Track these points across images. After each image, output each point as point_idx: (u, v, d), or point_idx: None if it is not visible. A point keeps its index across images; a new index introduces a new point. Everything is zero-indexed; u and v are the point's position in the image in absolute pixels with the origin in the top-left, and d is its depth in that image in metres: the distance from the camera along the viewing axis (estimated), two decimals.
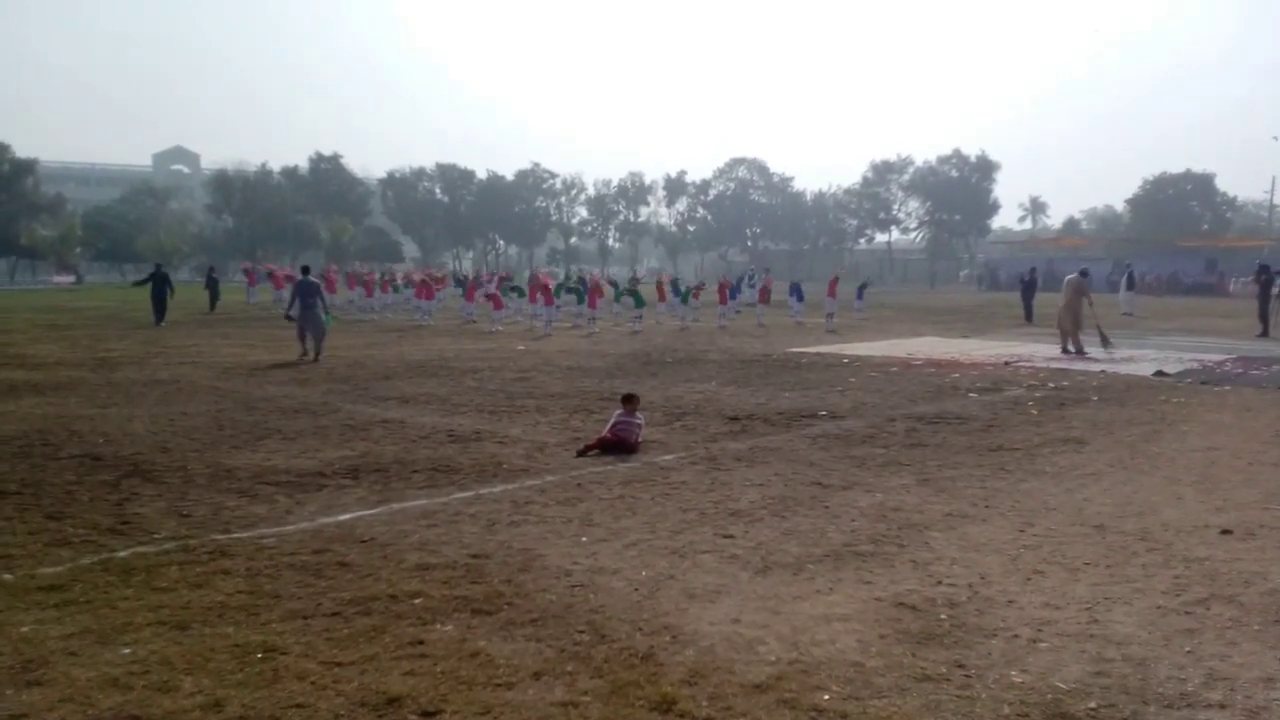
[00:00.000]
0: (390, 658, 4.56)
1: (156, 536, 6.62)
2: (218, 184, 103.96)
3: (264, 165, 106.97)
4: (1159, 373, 16.38)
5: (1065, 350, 19.90)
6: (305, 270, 22.92)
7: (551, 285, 30.83)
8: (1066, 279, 20.56)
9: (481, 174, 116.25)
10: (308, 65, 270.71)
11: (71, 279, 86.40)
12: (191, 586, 5.58)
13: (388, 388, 14.67)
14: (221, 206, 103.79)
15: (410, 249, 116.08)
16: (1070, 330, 19.98)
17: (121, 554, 6.21)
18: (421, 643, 4.74)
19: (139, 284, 32.36)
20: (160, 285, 30.34)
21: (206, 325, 30.20)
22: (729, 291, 33.47)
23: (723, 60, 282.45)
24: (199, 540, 6.51)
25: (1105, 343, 20.20)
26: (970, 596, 5.44)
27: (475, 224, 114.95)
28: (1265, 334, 25.29)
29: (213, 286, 38.29)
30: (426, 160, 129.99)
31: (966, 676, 4.37)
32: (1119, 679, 4.32)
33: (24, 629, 4.92)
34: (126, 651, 4.65)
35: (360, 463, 9.08)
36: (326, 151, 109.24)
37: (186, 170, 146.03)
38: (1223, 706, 4.06)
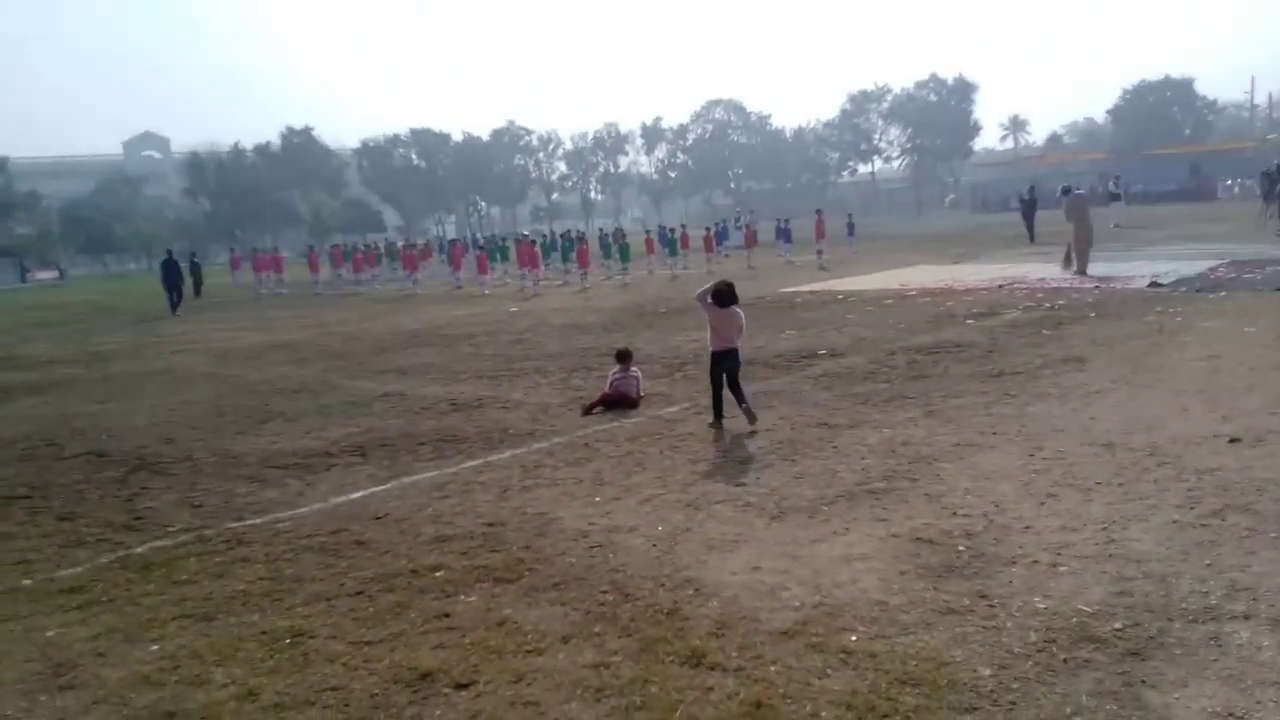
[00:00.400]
0: (418, 633, 4.59)
1: (171, 529, 6.62)
2: (191, 167, 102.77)
3: (236, 144, 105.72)
4: (1154, 284, 16.38)
5: (1069, 268, 19.52)
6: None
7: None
8: (1071, 197, 20.20)
9: (457, 136, 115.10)
10: (271, 39, 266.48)
11: (55, 275, 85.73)
12: (212, 577, 5.59)
13: (385, 360, 14.62)
14: (197, 189, 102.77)
15: (391, 217, 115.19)
16: (1084, 250, 19.60)
17: (138, 550, 6.21)
18: (448, 615, 4.76)
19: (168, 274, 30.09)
20: (171, 271, 29.60)
21: (195, 311, 30.00)
22: (715, 237, 33.33)
23: (692, 2, 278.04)
24: (214, 530, 6.51)
25: (1068, 263, 20.02)
26: (986, 526, 5.47)
27: (455, 187, 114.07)
28: None
29: (196, 272, 37.99)
30: (400, 127, 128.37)
31: (990, 606, 4.40)
32: (1141, 597, 4.36)
33: (50, 633, 4.93)
34: (155, 648, 4.66)
35: (366, 439, 9.07)
36: (297, 125, 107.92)
37: (158, 155, 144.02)
38: (1247, 617, 4.10)
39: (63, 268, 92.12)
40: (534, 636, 4.45)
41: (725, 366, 8.54)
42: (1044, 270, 20.53)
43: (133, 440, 9.85)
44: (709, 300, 8.61)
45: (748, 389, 8.69)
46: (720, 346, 8.56)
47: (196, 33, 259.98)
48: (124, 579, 5.68)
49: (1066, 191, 20.91)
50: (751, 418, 8.35)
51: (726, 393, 8.53)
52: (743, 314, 8.76)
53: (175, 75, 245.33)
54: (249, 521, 6.68)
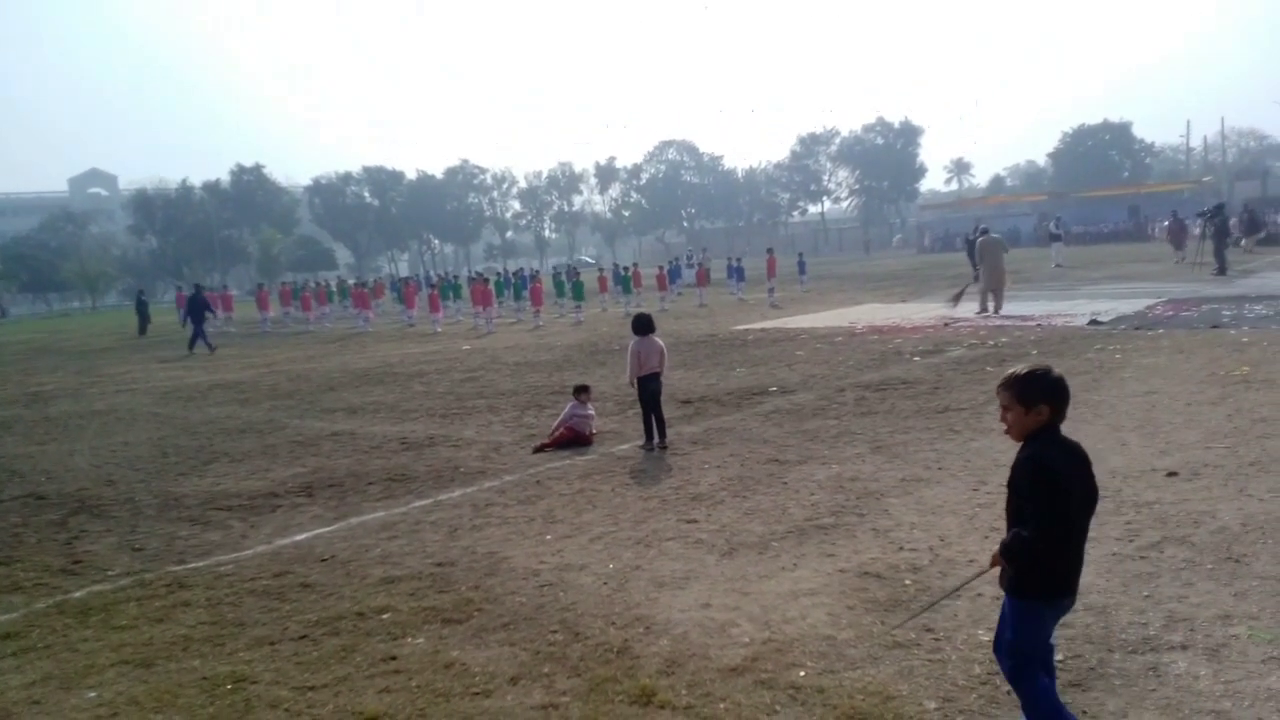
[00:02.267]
0: (363, 677, 4.52)
1: (111, 573, 6.46)
2: (138, 204, 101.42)
3: (184, 181, 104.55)
4: (1093, 321, 16.78)
5: (984, 310, 20.06)
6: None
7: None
8: (984, 240, 20.72)
9: (411, 174, 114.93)
10: (222, 77, 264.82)
11: None
12: (152, 622, 5.46)
13: (334, 399, 14.47)
14: (144, 227, 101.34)
15: (344, 255, 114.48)
16: (996, 289, 20.14)
17: (77, 594, 6.06)
18: (394, 658, 4.70)
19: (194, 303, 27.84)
20: (196, 306, 27.59)
21: (139, 350, 29.47)
22: (668, 275, 33.58)
23: (644, 45, 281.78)
24: (155, 574, 6.37)
25: (957, 300, 20.64)
26: (932, 559, 5.54)
27: (408, 225, 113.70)
28: (1223, 271, 25.91)
29: (142, 310, 37.38)
30: (353, 164, 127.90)
31: (936, 640, 4.45)
32: (1082, 629, 4.44)
33: None
34: (92, 695, 4.54)
35: (313, 479, 8.95)
36: (248, 163, 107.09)
37: (105, 193, 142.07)
38: (1184, 647, 4.19)
39: (4, 306, 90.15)
40: (482, 678, 4.41)
41: (652, 389, 9.30)
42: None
43: (72, 482, 9.63)
44: (632, 331, 9.64)
45: (669, 416, 8.76)
46: (644, 372, 9.34)
47: (146, 70, 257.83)
48: (61, 624, 5.53)
49: (984, 233, 21.41)
50: (662, 443, 9.23)
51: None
52: (662, 343, 9.64)
53: (123, 113, 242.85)
54: (191, 564, 6.54)
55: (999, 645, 3.54)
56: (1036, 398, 3.34)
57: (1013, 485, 3.43)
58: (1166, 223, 36.73)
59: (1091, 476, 3.43)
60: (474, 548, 6.44)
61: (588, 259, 57.52)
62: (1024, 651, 3.41)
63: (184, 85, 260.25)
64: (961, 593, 4.80)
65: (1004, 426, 3.47)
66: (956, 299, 20.73)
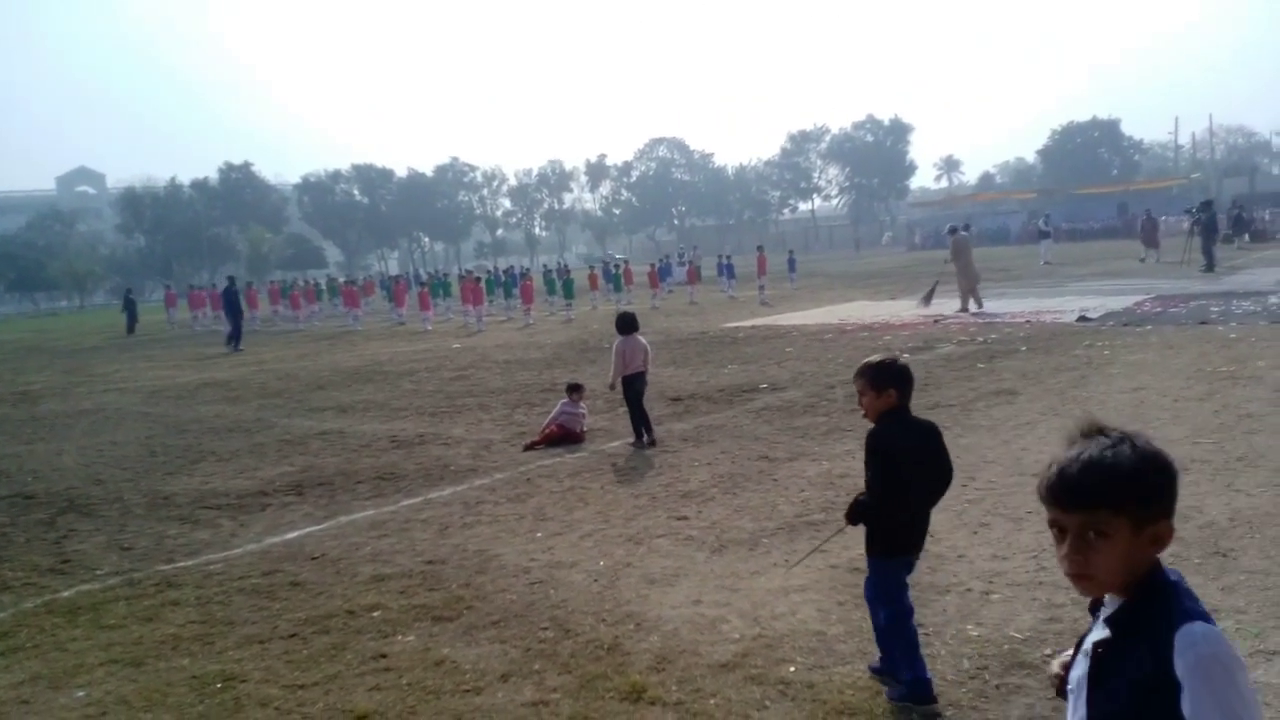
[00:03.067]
0: (354, 675, 4.51)
1: (99, 573, 6.44)
2: (126, 203, 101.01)
3: (173, 180, 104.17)
4: (1082, 318, 16.85)
5: (964, 309, 20.17)
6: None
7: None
8: (956, 238, 20.78)
9: (401, 172, 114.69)
10: (212, 75, 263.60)
11: None
12: (141, 621, 5.44)
13: (323, 398, 14.43)
14: (132, 225, 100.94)
15: (333, 253, 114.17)
16: (969, 288, 20.27)
17: (65, 594, 6.03)
18: (384, 656, 4.69)
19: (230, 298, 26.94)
20: (232, 300, 26.80)
21: (127, 349, 29.35)
22: (659, 272, 33.62)
23: (635, 42, 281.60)
24: (144, 573, 6.35)
25: (928, 299, 20.74)
26: (921, 555, 5.54)
27: (398, 223, 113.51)
28: (1211, 268, 26.03)
29: (130, 308, 37.23)
30: (342, 162, 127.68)
31: (925, 634, 4.46)
32: (1071, 624, 4.46)
33: None
34: (81, 694, 4.53)
35: (302, 478, 8.93)
36: (236, 161, 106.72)
37: (92, 191, 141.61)
38: None
39: None
40: (472, 675, 4.41)
41: (637, 388, 9.37)
42: (976, 306, 20.99)
43: (60, 481, 9.58)
44: (616, 330, 9.71)
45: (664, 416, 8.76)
46: (630, 371, 9.41)
47: (135, 69, 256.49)
48: (50, 624, 5.51)
49: (953, 231, 21.44)
50: (650, 440, 9.25)
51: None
52: (646, 341, 9.72)
53: (111, 111, 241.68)
54: (180, 564, 6.52)
55: (867, 596, 4.09)
56: (886, 383, 3.84)
57: (865, 459, 3.93)
58: (1141, 217, 35.74)
59: (940, 451, 3.95)
60: (464, 545, 6.43)
61: (618, 256, 56.98)
62: (887, 600, 3.91)
63: (173, 84, 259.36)
64: (826, 548, 5.25)
65: (862, 411, 3.96)
66: (927, 298, 20.83)
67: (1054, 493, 1.62)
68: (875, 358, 3.96)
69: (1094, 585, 1.64)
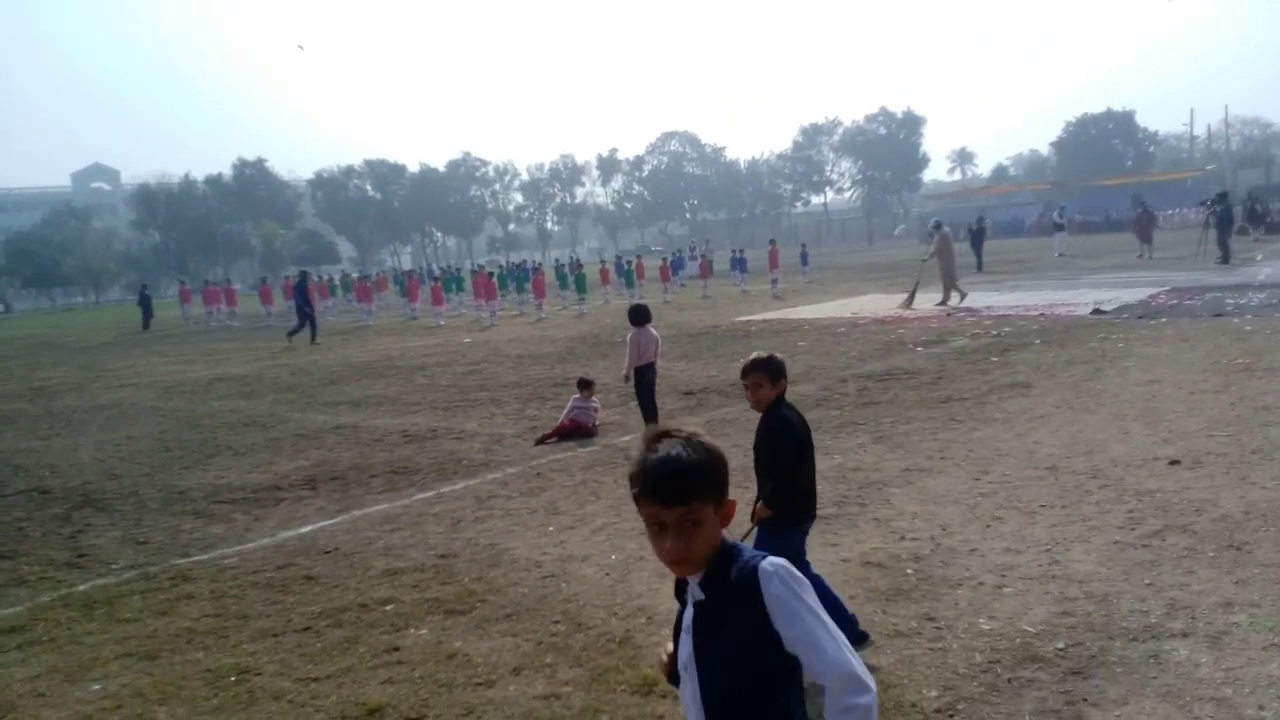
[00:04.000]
0: (367, 668, 4.53)
1: (115, 567, 6.49)
2: (141, 199, 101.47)
3: (187, 176, 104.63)
4: (1096, 310, 16.75)
5: (944, 302, 20.20)
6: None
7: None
8: (940, 234, 20.76)
9: (413, 167, 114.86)
10: (225, 71, 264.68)
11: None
12: (156, 615, 5.48)
13: (336, 393, 14.48)
14: (147, 221, 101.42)
15: (346, 249, 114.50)
16: (951, 282, 20.30)
17: (81, 588, 6.08)
18: (397, 649, 4.71)
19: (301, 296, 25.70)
20: (303, 293, 25.60)
21: (141, 345, 29.52)
22: (671, 266, 33.60)
23: (647, 37, 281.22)
24: (159, 567, 6.39)
25: (909, 301, 20.63)
26: (934, 549, 5.54)
27: (410, 218, 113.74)
28: (1227, 260, 25.86)
29: (145, 304, 37.42)
30: (355, 158, 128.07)
31: (937, 629, 4.46)
32: (1083, 617, 4.44)
33: None
34: (96, 687, 4.56)
35: (316, 472, 8.97)
36: (250, 157, 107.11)
37: (107, 187, 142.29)
38: (1185, 635, 4.19)
39: (7, 301, 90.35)
40: (484, 669, 4.42)
41: (649, 378, 9.58)
42: (989, 299, 20.90)
43: (76, 476, 9.65)
44: (629, 322, 9.80)
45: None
46: (642, 362, 9.56)
47: (149, 65, 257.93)
48: (66, 618, 5.55)
49: (938, 226, 21.37)
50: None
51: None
52: (658, 333, 9.86)
53: (126, 107, 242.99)
54: (194, 558, 6.56)
55: None
56: (779, 374, 4.38)
57: (762, 442, 4.32)
58: (1136, 211, 34.54)
59: (809, 428, 4.44)
60: (476, 539, 6.45)
61: (654, 248, 56.44)
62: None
63: (187, 81, 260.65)
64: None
65: (751, 401, 4.42)
66: (910, 299, 20.83)
67: (656, 494, 1.84)
68: (763, 354, 4.44)
69: (691, 566, 1.89)
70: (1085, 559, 5.18)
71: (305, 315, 24.67)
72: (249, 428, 11.86)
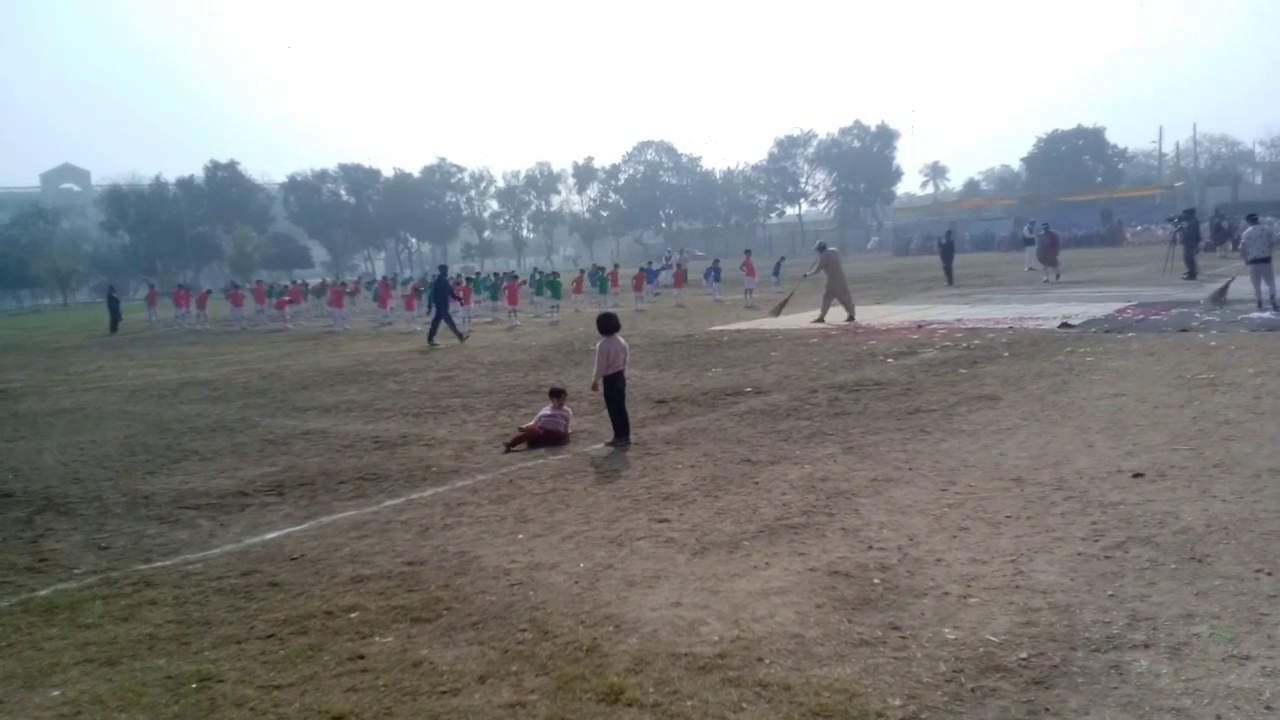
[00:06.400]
0: (330, 675, 4.49)
1: (76, 571, 6.40)
2: (111, 200, 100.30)
3: (158, 178, 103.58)
4: (1064, 324, 16.95)
5: (821, 319, 20.71)
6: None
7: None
8: (826, 253, 21.19)
9: (388, 172, 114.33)
10: (195, 75, 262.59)
11: None
12: (117, 620, 5.41)
13: (306, 398, 14.37)
14: (116, 223, 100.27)
15: (319, 253, 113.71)
16: (844, 300, 20.84)
17: (42, 592, 5.99)
18: (361, 657, 4.67)
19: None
20: (441, 292, 23.67)
21: (110, 347, 29.16)
22: (646, 275, 33.64)
23: (623, 46, 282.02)
24: (121, 572, 6.31)
25: (777, 310, 21.62)
26: (900, 559, 5.57)
27: (385, 224, 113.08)
28: (1193, 276, 26.23)
29: (113, 307, 37.00)
30: (329, 162, 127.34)
31: (902, 638, 4.48)
32: (1046, 627, 4.48)
33: None
34: (56, 694, 4.49)
35: (284, 478, 8.89)
36: (223, 159, 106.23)
37: (77, 188, 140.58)
38: (1147, 646, 4.24)
39: None
40: (450, 677, 4.40)
41: (619, 387, 9.52)
42: (961, 311, 21.09)
43: (39, 480, 9.51)
44: (598, 331, 9.81)
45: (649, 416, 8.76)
46: (611, 371, 9.50)
47: (121, 65, 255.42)
48: (26, 623, 5.47)
49: (822, 248, 21.80)
50: (626, 440, 9.40)
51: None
52: (625, 342, 9.79)
53: (97, 108, 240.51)
54: (158, 563, 6.49)
55: None
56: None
57: None
58: (1039, 233, 32.95)
59: None
60: (445, 547, 6.42)
61: (674, 252, 55.36)
62: None
63: (160, 81, 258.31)
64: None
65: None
66: (779, 309, 21.70)
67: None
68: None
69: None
70: (1049, 570, 5.23)
71: (443, 314, 23.10)
72: (216, 432, 11.74)
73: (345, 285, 39.99)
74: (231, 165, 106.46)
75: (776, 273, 35.84)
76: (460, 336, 22.88)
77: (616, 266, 38.12)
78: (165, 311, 42.12)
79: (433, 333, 22.86)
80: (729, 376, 13.56)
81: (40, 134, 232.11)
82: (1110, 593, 4.86)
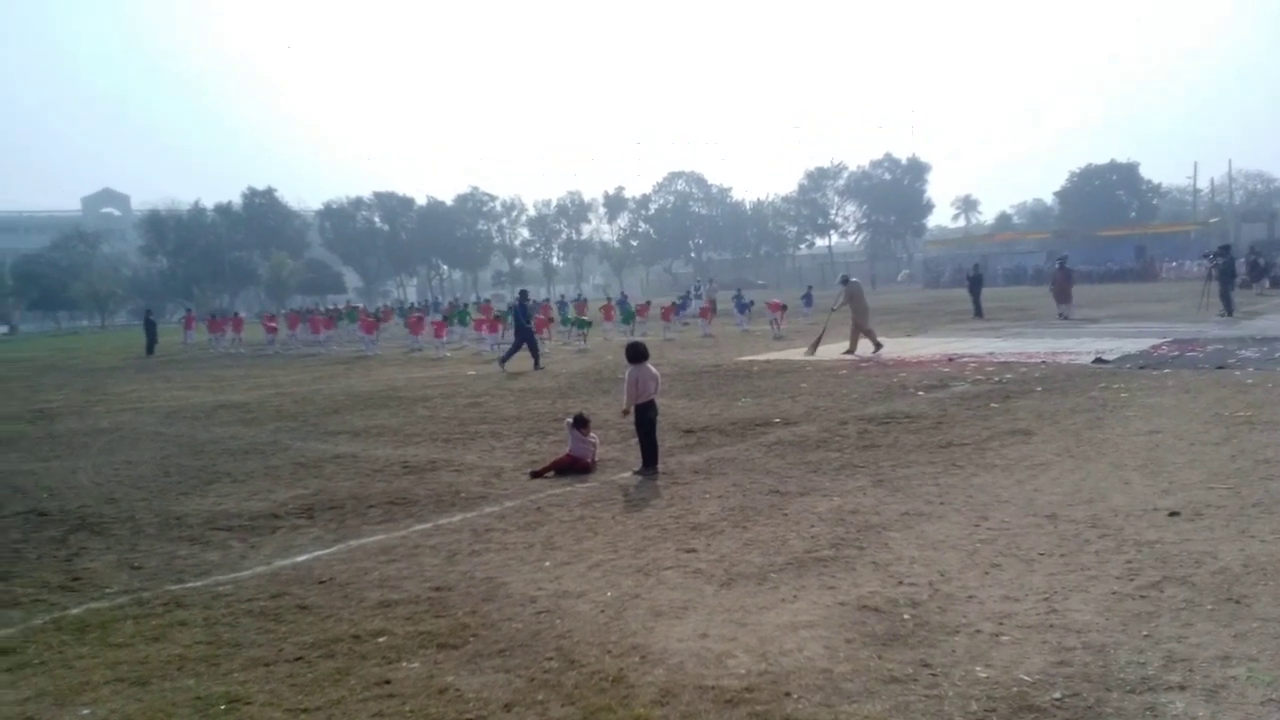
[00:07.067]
0: (357, 700, 4.50)
1: (109, 591, 6.46)
2: (150, 225, 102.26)
3: (197, 203, 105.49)
4: (1099, 360, 16.76)
5: (852, 351, 20.72)
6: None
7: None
8: (850, 284, 21.15)
9: (421, 200, 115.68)
10: (237, 100, 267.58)
11: (4, 329, 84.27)
12: (148, 640, 5.45)
13: (338, 422, 14.48)
14: (155, 247, 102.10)
15: (352, 279, 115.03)
16: (869, 331, 20.86)
17: (74, 611, 6.06)
18: (388, 682, 4.68)
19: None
20: (523, 315, 23.38)
21: (146, 369, 29.57)
22: (677, 307, 33.76)
23: (654, 77, 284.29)
24: (153, 592, 6.37)
25: (813, 349, 21.38)
26: (931, 594, 5.51)
27: (417, 251, 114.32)
28: (1229, 313, 25.92)
29: (150, 329, 37.55)
30: (364, 189, 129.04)
31: (933, 675, 4.42)
32: (1080, 667, 4.41)
33: None
34: (85, 712, 4.53)
35: (314, 501, 8.95)
36: (260, 186, 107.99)
37: (117, 213, 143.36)
38: (1183, 687, 4.16)
39: (14, 323, 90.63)
40: (475, 704, 4.39)
41: (650, 416, 9.51)
42: (992, 345, 20.94)
43: (74, 499, 9.64)
44: (626, 360, 9.87)
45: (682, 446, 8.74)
46: (642, 399, 9.50)
47: (162, 92, 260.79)
48: (58, 641, 5.53)
49: (845, 281, 21.75)
50: (654, 469, 9.40)
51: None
52: (655, 370, 9.81)
53: (138, 134, 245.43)
54: (189, 584, 6.54)
55: None
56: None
57: None
58: (1054, 268, 32.34)
59: None
60: (472, 573, 6.43)
61: (707, 284, 55.18)
62: None
63: (200, 109, 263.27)
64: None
65: None
66: (814, 348, 21.46)
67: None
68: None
69: None
70: (1083, 609, 5.15)
71: (524, 337, 22.31)
72: (249, 455, 11.85)
73: (377, 314, 40.44)
74: (269, 192, 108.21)
75: (808, 303, 35.83)
76: (537, 363, 22.00)
77: (648, 303, 38.17)
78: (201, 335, 42.69)
79: (507, 357, 22.31)
80: (758, 407, 13.52)
81: (82, 159, 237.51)
82: (1146, 633, 4.78)
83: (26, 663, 5.20)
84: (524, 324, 22.45)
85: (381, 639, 5.27)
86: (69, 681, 4.90)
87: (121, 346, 44.75)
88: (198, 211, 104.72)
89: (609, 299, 37.03)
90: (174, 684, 4.81)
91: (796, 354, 21.65)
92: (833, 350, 21.26)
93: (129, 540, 7.86)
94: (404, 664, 4.90)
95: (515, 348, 22.42)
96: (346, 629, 5.45)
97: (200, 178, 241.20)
